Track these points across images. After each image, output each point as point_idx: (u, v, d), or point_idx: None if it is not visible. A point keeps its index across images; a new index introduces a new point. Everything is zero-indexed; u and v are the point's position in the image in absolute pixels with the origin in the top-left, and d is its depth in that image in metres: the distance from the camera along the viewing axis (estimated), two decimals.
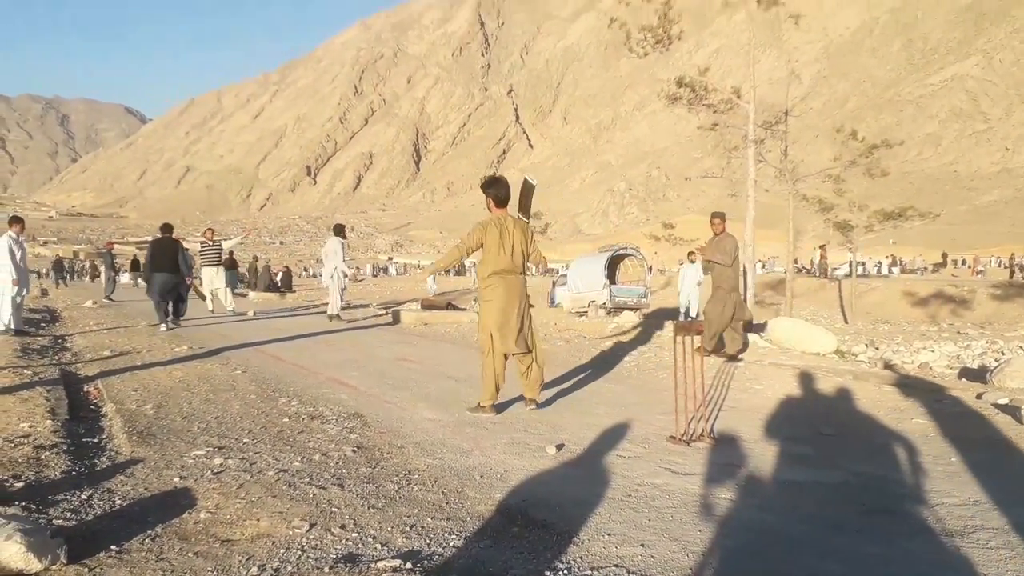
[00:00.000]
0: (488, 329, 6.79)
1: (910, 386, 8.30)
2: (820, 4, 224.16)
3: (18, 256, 13.02)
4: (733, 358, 10.43)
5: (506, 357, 6.86)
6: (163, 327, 14.34)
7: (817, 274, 46.23)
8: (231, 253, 27.41)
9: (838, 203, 31.84)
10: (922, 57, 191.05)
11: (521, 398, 7.16)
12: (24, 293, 13.41)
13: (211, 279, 19.74)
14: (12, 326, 12.91)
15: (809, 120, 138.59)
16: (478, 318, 7.16)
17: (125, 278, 43.58)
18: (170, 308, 15.13)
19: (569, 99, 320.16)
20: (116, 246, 31.00)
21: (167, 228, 15.55)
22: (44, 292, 32.11)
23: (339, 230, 18.11)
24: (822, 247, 43.82)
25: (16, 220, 13.43)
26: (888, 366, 12.05)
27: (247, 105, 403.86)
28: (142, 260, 22.07)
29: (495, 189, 6.90)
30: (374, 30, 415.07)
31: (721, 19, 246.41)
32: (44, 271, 62.79)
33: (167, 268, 14.74)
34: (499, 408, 6.88)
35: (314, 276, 77.45)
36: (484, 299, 6.89)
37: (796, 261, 34.53)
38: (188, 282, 15.90)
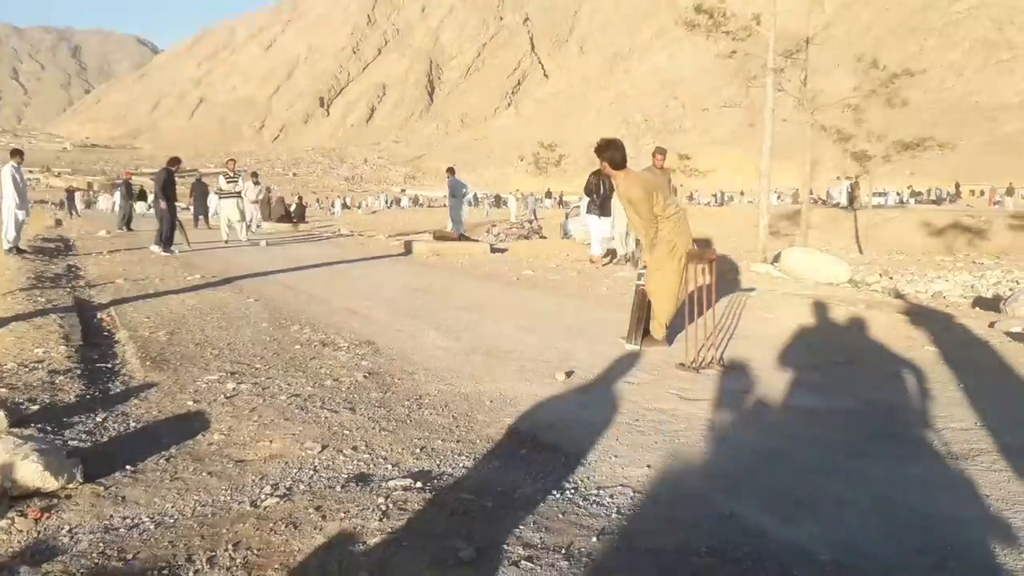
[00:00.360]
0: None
1: (922, 315, 8.26)
2: None
3: (19, 183, 14.56)
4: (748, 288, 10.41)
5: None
6: (157, 248, 15.74)
7: (847, 206, 45.70)
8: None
9: (856, 133, 31.41)
10: None
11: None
12: (25, 216, 15.21)
13: (230, 211, 19.80)
14: (14, 244, 14.53)
15: (830, 48, 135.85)
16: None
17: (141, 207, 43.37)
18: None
19: (586, 27, 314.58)
20: (132, 177, 30.88)
21: (175, 161, 16.88)
22: (58, 222, 32.23)
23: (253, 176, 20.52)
24: (856, 179, 43.23)
25: (16, 152, 15.03)
26: (901, 296, 12.01)
27: (259, 36, 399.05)
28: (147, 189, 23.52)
29: (610, 152, 6.52)
30: None
31: None
32: (58, 201, 62.99)
33: (176, 198, 16.61)
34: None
35: (327, 208, 77.33)
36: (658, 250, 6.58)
37: (811, 192, 34.17)
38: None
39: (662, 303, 6.52)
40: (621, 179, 6.51)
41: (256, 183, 24.41)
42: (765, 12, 23.12)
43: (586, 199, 15.16)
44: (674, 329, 6.74)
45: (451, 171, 21.87)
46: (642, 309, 6.63)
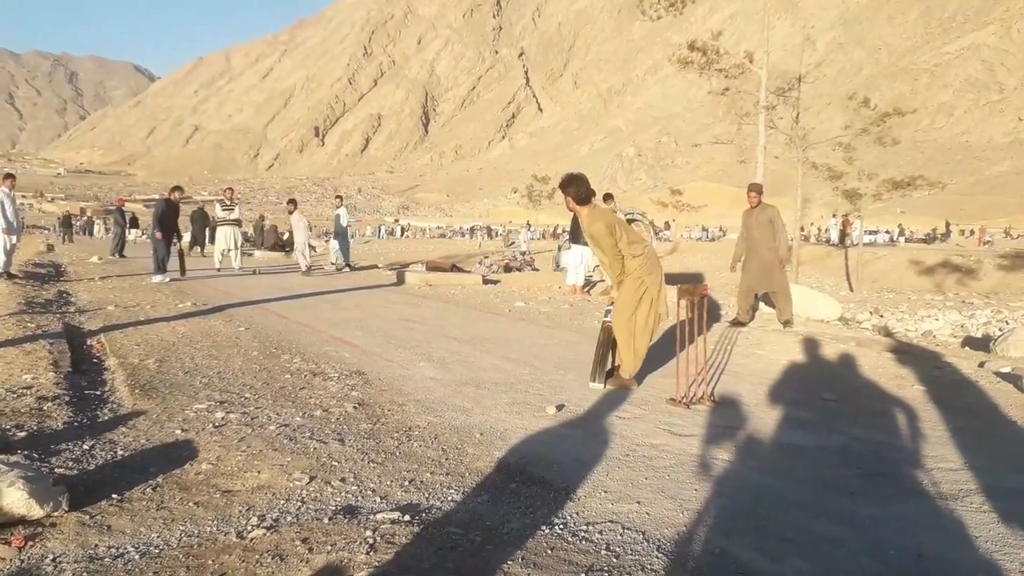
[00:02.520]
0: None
1: (912, 354, 8.29)
2: None
3: (9, 208, 14.56)
4: (738, 323, 10.43)
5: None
6: (158, 277, 15.51)
7: (837, 244, 45.88)
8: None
9: (847, 171, 31.65)
10: (939, 25, 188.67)
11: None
12: (15, 241, 15.12)
13: (226, 238, 19.84)
14: (4, 269, 14.41)
15: (822, 87, 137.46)
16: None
17: (135, 233, 43.18)
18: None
19: (580, 63, 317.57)
20: (125, 203, 30.91)
21: (176, 189, 16.82)
22: (50, 247, 32.17)
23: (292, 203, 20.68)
24: (845, 216, 43.48)
25: (8, 176, 15.01)
26: (891, 334, 12.05)
27: (256, 65, 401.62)
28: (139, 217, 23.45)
29: (574, 187, 6.51)
30: None
31: None
32: (51, 227, 62.88)
33: (173, 228, 16.38)
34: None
35: (323, 235, 77.39)
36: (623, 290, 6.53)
37: (803, 229, 34.39)
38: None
39: (628, 342, 6.38)
40: (584, 215, 6.50)
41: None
42: (758, 50, 23.38)
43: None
44: (652, 366, 6.74)
45: (340, 200, 22.63)
46: (606, 346, 6.56)
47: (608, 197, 12.11)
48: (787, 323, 10.31)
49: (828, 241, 49.83)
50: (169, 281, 15.38)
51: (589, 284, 15.49)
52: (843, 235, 45.12)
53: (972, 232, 62.87)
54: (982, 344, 10.72)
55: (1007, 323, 15.41)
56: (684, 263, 41.19)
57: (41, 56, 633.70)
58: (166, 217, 15.89)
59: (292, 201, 21.41)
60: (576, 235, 14.66)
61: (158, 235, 15.78)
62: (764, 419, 5.52)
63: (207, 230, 28.48)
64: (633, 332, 6.38)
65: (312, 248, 19.33)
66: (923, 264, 33.89)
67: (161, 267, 15.68)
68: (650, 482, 4.04)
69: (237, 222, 20.16)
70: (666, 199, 64.19)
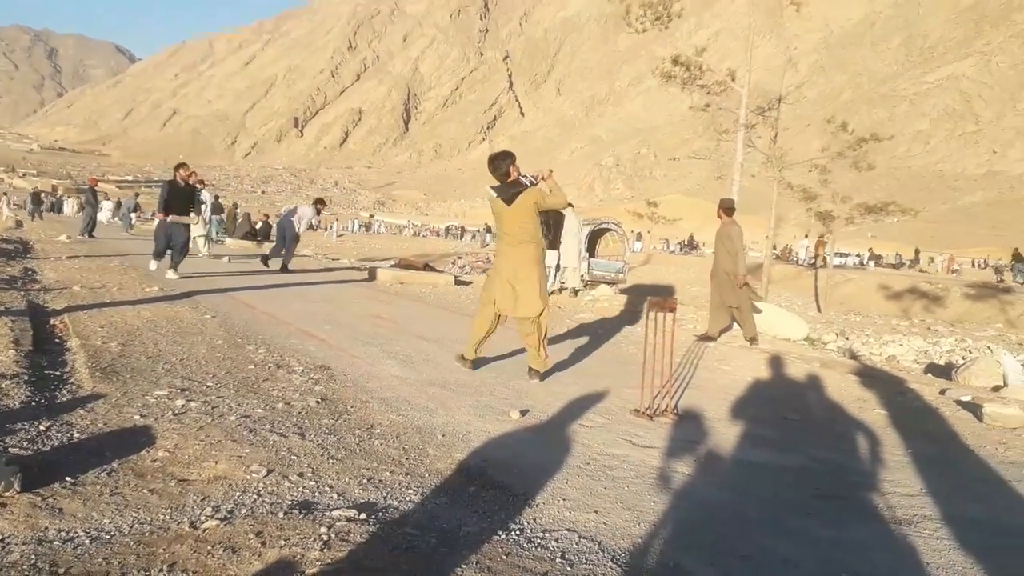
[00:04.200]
0: (487, 290, 7.04)
1: (875, 377, 8.38)
2: None
3: None
4: (707, 338, 10.50)
5: (498, 320, 7.01)
6: (153, 264, 13.99)
7: (807, 265, 46.28)
8: (216, 198, 27.58)
9: (822, 193, 31.94)
10: (920, 54, 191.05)
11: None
12: None
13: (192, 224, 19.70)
14: None
15: (802, 109, 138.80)
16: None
17: (106, 213, 42.48)
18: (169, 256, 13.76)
19: (564, 70, 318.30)
20: (99, 183, 30.58)
21: (180, 167, 14.01)
22: (19, 224, 31.73)
23: (318, 203, 18.45)
24: (820, 237, 43.82)
25: None
26: (855, 356, 12.17)
27: (239, 52, 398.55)
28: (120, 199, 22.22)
29: (490, 167, 6.97)
30: None
31: (723, 1, 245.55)
32: (22, 203, 61.98)
33: (182, 212, 13.87)
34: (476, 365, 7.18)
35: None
36: (494, 262, 7.17)
37: (775, 248, 34.68)
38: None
39: (473, 325, 7.01)
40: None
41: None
42: (740, 69, 23.59)
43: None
44: (619, 377, 6.76)
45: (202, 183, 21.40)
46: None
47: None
48: (752, 340, 10.39)
49: (798, 262, 50.28)
50: (178, 278, 13.16)
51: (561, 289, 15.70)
52: (816, 256, 45.55)
53: (933, 260, 63.52)
54: (944, 372, 10.86)
55: (970, 352, 15.61)
56: (656, 275, 41.38)
57: (21, 30, 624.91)
58: (173, 201, 13.56)
59: (320, 200, 19.18)
60: (553, 240, 15.62)
61: (159, 216, 13.93)
62: (726, 435, 5.55)
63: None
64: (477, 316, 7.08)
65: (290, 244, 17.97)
66: (891, 289, 34.28)
67: (158, 253, 13.87)
68: (609, 492, 4.04)
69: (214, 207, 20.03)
70: (642, 210, 64.30)
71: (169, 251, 13.65)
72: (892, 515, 4.07)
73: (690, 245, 72.01)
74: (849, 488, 4.56)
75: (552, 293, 15.21)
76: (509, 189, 6.86)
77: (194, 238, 19.73)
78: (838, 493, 4.42)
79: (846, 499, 4.33)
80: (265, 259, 17.55)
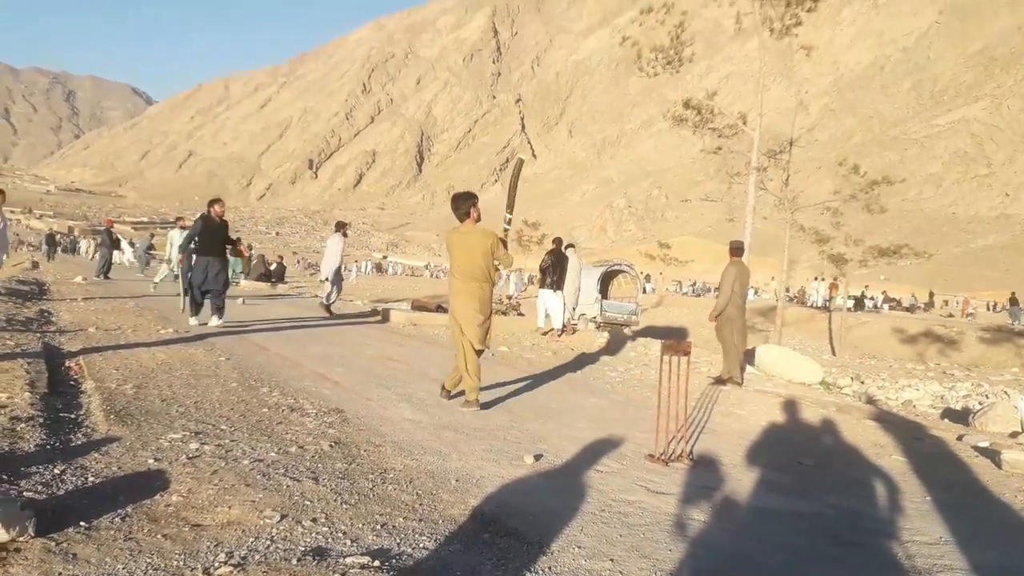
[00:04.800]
0: (456, 332, 7.43)
1: (892, 422, 8.31)
2: (832, 38, 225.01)
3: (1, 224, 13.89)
4: (720, 381, 10.45)
5: (478, 353, 7.38)
6: (194, 321, 12.40)
7: (820, 306, 46.18)
8: (237, 240, 27.87)
9: (834, 236, 31.96)
10: (931, 98, 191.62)
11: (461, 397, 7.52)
12: (4, 257, 14.28)
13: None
14: None
15: (813, 152, 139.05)
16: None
17: (128, 255, 42.47)
18: (205, 301, 12.62)
19: (576, 113, 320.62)
20: (115, 225, 30.86)
21: (215, 203, 12.80)
22: (35, 264, 31.98)
23: (340, 227, 18.11)
24: (834, 280, 43.74)
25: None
26: (871, 401, 12.08)
27: (254, 95, 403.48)
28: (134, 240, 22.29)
29: (451, 205, 7.63)
30: (387, 30, 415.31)
31: (734, 45, 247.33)
32: (38, 244, 62.53)
33: (216, 253, 12.53)
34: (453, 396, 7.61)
35: (308, 267, 77.49)
36: (451, 296, 7.58)
37: (788, 290, 34.61)
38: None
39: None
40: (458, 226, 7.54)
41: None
42: (751, 112, 23.72)
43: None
44: (633, 420, 6.73)
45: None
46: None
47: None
48: (718, 379, 10.39)
49: (812, 304, 50.14)
50: (220, 324, 12.28)
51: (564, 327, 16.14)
52: (830, 299, 45.48)
53: (947, 303, 63.25)
54: (961, 417, 10.76)
55: (987, 397, 15.48)
56: (669, 317, 41.30)
57: (40, 73, 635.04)
58: (206, 239, 12.37)
59: (341, 223, 18.59)
60: (558, 282, 15.87)
61: (179, 259, 12.92)
62: (741, 481, 5.50)
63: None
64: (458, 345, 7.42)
65: (336, 281, 17.35)
66: (906, 332, 34.10)
67: (193, 306, 12.57)
68: (625, 540, 4.01)
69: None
70: (654, 252, 64.51)
71: (208, 294, 12.48)
72: (911, 564, 4.01)
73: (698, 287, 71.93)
74: (866, 536, 4.50)
75: (562, 333, 15.81)
76: (470, 228, 7.43)
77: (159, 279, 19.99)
78: (855, 541, 4.37)
79: (863, 547, 4.27)
80: (327, 307, 17.35)
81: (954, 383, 17.96)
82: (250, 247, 41.34)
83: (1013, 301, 46.81)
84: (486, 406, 7.30)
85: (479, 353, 7.40)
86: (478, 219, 7.52)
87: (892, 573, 3.90)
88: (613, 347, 14.19)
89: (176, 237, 20.82)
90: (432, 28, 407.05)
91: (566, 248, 16.92)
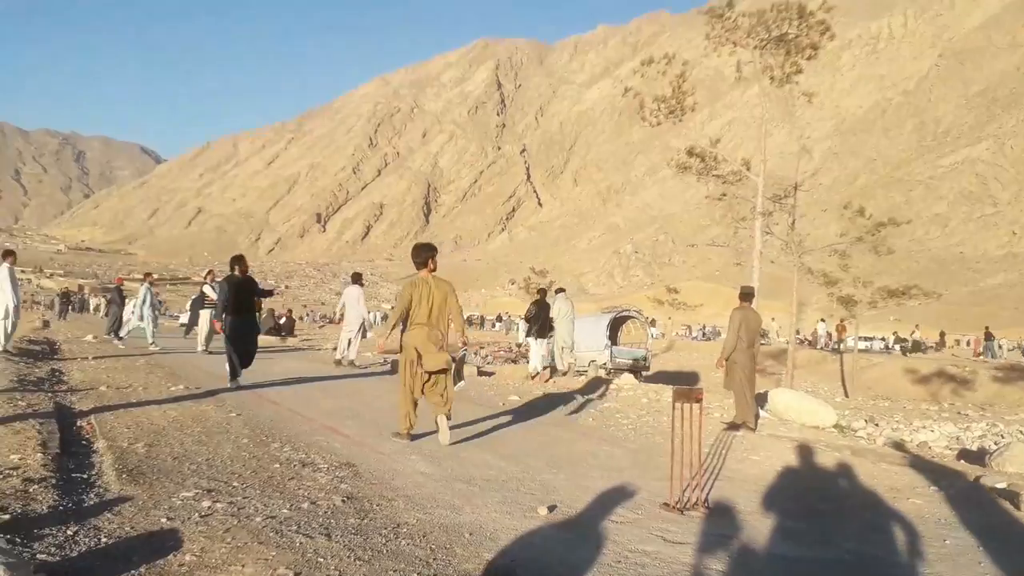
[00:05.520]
0: (405, 367, 8.02)
1: (908, 465, 8.23)
2: (833, 83, 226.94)
3: (8, 287, 14.43)
4: (733, 426, 10.40)
5: (416, 398, 8.03)
6: (233, 383, 11.90)
7: (830, 349, 46.03)
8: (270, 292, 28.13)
9: (843, 278, 31.92)
10: (934, 139, 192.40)
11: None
12: (16, 318, 14.98)
13: (208, 321, 19.86)
14: (5, 347, 14.40)
15: (818, 195, 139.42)
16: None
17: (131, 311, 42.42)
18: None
19: (581, 161, 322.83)
20: (124, 283, 31.00)
21: (238, 261, 12.44)
22: (46, 323, 32.09)
23: (357, 278, 18.14)
24: (841, 322, 43.67)
25: (9, 253, 14.88)
26: (887, 444, 11.98)
27: (262, 151, 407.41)
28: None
29: (412, 253, 8.40)
30: (392, 85, 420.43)
31: (735, 92, 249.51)
32: (49, 302, 62.75)
33: (246, 310, 12.19)
34: (415, 437, 8.04)
35: (317, 320, 77.64)
36: (404, 344, 8.08)
37: (799, 332, 34.51)
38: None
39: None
40: (418, 276, 8.19)
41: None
42: (755, 158, 23.90)
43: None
44: (647, 468, 6.68)
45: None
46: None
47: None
48: (734, 425, 10.38)
49: (813, 345, 49.97)
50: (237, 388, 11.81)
51: (552, 371, 17.30)
52: (839, 340, 45.31)
53: (968, 342, 62.96)
54: (977, 457, 10.65)
55: (1002, 437, 15.33)
56: (679, 361, 41.17)
57: (49, 134, 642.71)
58: (235, 299, 11.86)
59: (357, 275, 18.37)
60: (542, 330, 17.11)
61: (217, 328, 12.26)
62: (758, 528, 5.45)
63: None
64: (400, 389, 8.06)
65: (360, 335, 17.45)
66: (918, 373, 33.87)
67: (235, 372, 11.96)
68: None
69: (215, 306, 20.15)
70: (662, 296, 64.40)
71: (245, 356, 12.05)
72: None
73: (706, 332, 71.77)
74: None
75: (554, 373, 17.15)
76: (427, 276, 8.09)
77: (209, 334, 19.94)
78: None
79: None
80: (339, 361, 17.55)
81: (969, 423, 17.81)
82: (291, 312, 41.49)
83: (988, 336, 47.17)
84: (503, 457, 7.28)
85: (443, 372, 7.92)
86: (434, 269, 8.16)
87: None
88: (624, 394, 14.11)
89: (143, 292, 21.01)
90: (437, 82, 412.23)
91: (557, 292, 18.22)
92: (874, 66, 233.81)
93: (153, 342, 20.59)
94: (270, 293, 12.85)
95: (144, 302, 21.05)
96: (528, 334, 17.59)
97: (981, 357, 45.11)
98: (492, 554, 4.39)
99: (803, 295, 31.88)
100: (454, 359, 8.13)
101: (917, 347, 48.37)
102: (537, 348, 17.31)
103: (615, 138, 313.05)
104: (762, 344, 14.18)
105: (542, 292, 18.11)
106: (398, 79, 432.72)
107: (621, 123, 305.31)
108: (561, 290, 18.77)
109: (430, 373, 7.88)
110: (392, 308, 8.36)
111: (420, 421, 8.05)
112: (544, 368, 17.38)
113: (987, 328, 49.47)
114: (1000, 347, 46.48)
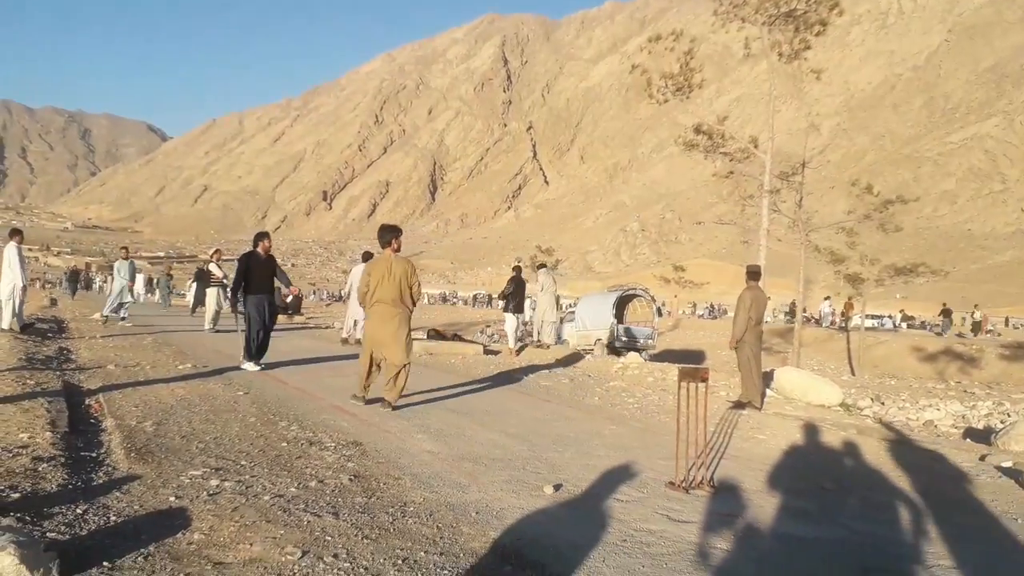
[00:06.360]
0: (367, 341, 8.90)
1: (913, 444, 8.24)
2: (842, 59, 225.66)
3: (17, 265, 14.68)
4: (739, 405, 10.42)
5: (376, 364, 8.86)
6: (249, 365, 11.62)
7: (837, 327, 45.97)
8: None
9: (850, 255, 31.82)
10: (943, 115, 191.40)
11: (382, 399, 8.68)
12: (24, 297, 15.39)
13: (216, 300, 19.92)
14: (17, 327, 14.62)
15: (826, 172, 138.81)
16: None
17: (139, 288, 42.42)
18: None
19: (587, 138, 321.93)
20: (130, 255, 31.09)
21: (262, 237, 12.25)
22: (54, 302, 32.19)
23: (367, 257, 17.99)
24: (849, 300, 43.56)
25: (16, 232, 14.97)
26: (892, 422, 11.98)
27: (268, 128, 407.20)
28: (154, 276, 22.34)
29: (378, 234, 8.91)
30: (398, 62, 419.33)
31: (743, 68, 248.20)
32: (58, 280, 62.94)
33: (265, 290, 11.88)
34: (369, 402, 8.74)
35: (324, 298, 77.83)
36: (367, 319, 8.98)
37: (805, 311, 34.45)
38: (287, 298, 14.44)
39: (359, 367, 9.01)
40: (382, 254, 8.84)
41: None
42: (763, 135, 23.74)
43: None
44: (652, 447, 6.70)
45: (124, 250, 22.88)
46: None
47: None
48: (740, 404, 10.38)
49: (818, 323, 49.90)
50: (261, 370, 11.55)
51: (520, 345, 18.44)
52: (845, 319, 45.25)
53: (967, 319, 63.01)
54: (983, 436, 10.64)
55: (1008, 415, 15.30)
56: (685, 339, 41.19)
57: (56, 112, 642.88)
58: (254, 277, 11.65)
59: (368, 254, 18.84)
60: (517, 306, 18.03)
61: (238, 306, 12.01)
62: (763, 507, 5.46)
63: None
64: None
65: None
66: (925, 351, 33.84)
67: (251, 350, 11.68)
68: (647, 570, 3.98)
69: (221, 282, 20.28)
70: (669, 275, 64.37)
71: (262, 335, 11.81)
72: None
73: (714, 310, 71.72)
74: (891, 561, 4.45)
75: (525, 348, 18.35)
76: (390, 255, 8.65)
77: (216, 312, 19.99)
78: (880, 567, 4.32)
79: (889, 573, 4.23)
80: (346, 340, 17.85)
81: (975, 402, 17.78)
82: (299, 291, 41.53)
83: (945, 313, 47.30)
84: (509, 435, 7.32)
85: (405, 367, 8.58)
86: (398, 250, 8.75)
87: None
88: (630, 372, 14.13)
89: (122, 268, 20.96)
90: (443, 59, 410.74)
91: (539, 268, 19.76)
92: (883, 42, 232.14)
93: (124, 317, 20.86)
94: (288, 283, 12.49)
95: (123, 276, 21.04)
96: (505, 309, 18.29)
97: (990, 333, 45.07)
98: (498, 532, 4.41)
99: (810, 273, 31.83)
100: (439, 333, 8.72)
101: (977, 327, 48.15)
102: (513, 323, 18.09)
103: (622, 115, 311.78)
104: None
105: (517, 269, 18.68)
106: (404, 56, 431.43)
107: (628, 100, 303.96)
108: (543, 266, 20.16)
109: (397, 364, 8.56)
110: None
111: (427, 396, 8.07)
112: (518, 343, 18.34)
113: (944, 304, 49.95)
114: (951, 324, 47.87)
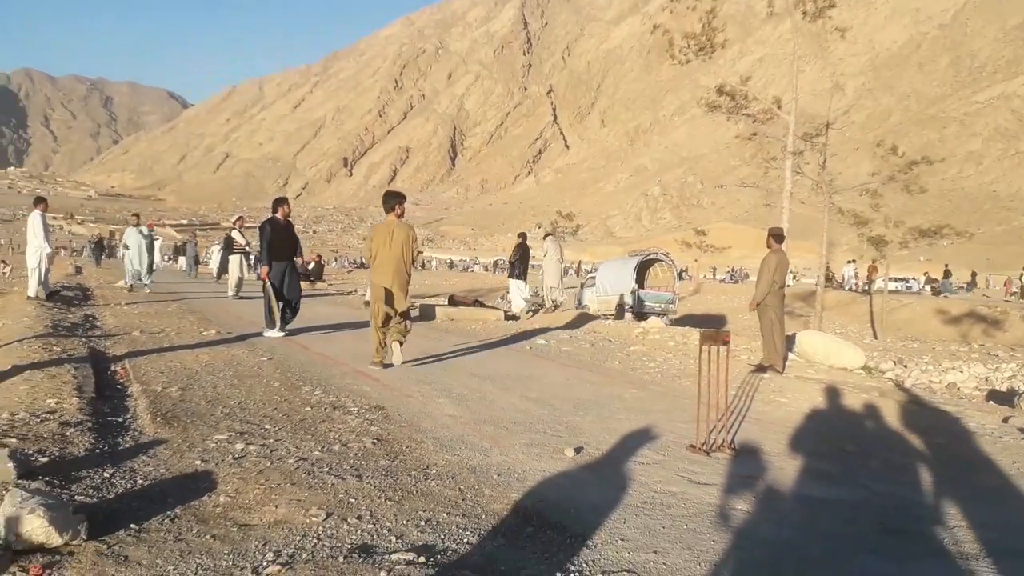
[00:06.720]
0: (373, 300, 9.22)
1: (936, 406, 8.20)
2: (867, 18, 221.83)
3: (41, 232, 14.91)
4: (760, 368, 10.40)
5: (385, 325, 9.15)
6: (274, 331, 11.59)
7: (860, 291, 45.65)
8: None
9: (874, 218, 31.48)
10: (969, 74, 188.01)
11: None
12: (50, 265, 15.78)
13: (239, 267, 20.05)
14: (43, 294, 14.88)
15: (850, 133, 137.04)
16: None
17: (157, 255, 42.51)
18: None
19: (608, 101, 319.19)
20: (155, 228, 31.30)
21: (281, 203, 12.17)
22: (78, 270, 32.49)
23: None
24: (873, 262, 43.14)
25: (41, 200, 15.33)
26: (915, 385, 11.92)
27: (288, 95, 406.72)
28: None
29: (382, 200, 9.31)
30: (417, 26, 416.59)
31: (766, 28, 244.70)
32: (82, 248, 63.40)
33: (286, 256, 11.79)
34: (387, 366, 9.00)
35: (346, 264, 78.13)
36: (371, 282, 9.35)
37: (829, 272, 34.18)
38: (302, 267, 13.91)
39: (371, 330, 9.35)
40: (385, 220, 9.23)
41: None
42: (786, 95, 23.45)
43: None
44: (673, 411, 6.71)
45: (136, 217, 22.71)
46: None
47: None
48: (761, 367, 10.33)
49: (842, 286, 49.58)
50: (284, 335, 11.59)
51: (532, 309, 19.27)
52: (869, 281, 44.90)
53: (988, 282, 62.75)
54: (1007, 399, 10.57)
55: None
56: (707, 304, 41.05)
57: (78, 80, 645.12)
58: (277, 244, 11.55)
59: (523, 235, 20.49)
60: (524, 271, 19.21)
61: (263, 274, 11.56)
62: (784, 469, 5.47)
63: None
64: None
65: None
66: (948, 314, 33.54)
67: (272, 319, 11.68)
68: (668, 531, 4.00)
69: (243, 250, 20.43)
70: (690, 239, 63.98)
71: (288, 302, 11.90)
72: (957, 550, 3.97)
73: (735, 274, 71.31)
74: (912, 522, 4.46)
75: (537, 312, 18.88)
76: (394, 220, 9.03)
77: (241, 279, 20.12)
78: (901, 527, 4.32)
79: (909, 534, 4.23)
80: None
81: (999, 364, 17.65)
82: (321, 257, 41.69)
83: (946, 274, 47.40)
84: (530, 399, 7.38)
85: (404, 315, 9.11)
86: (401, 215, 9.10)
87: (938, 559, 3.86)
88: (650, 337, 14.10)
89: (131, 235, 20.68)
90: (462, 22, 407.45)
91: (545, 237, 20.32)
92: None
93: (131, 284, 20.74)
94: (301, 253, 12.33)
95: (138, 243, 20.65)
96: (511, 275, 19.30)
97: (1014, 296, 44.74)
98: (520, 495, 4.44)
99: (833, 235, 31.57)
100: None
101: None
102: (518, 289, 19.08)
103: (643, 76, 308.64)
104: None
105: (523, 236, 19.64)
106: (423, 19, 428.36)
107: (650, 61, 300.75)
108: (549, 234, 21.16)
109: (398, 312, 9.04)
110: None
111: (448, 360, 8.08)
112: (523, 309, 19.08)
113: (946, 266, 50.40)
114: (951, 284, 49.51)
